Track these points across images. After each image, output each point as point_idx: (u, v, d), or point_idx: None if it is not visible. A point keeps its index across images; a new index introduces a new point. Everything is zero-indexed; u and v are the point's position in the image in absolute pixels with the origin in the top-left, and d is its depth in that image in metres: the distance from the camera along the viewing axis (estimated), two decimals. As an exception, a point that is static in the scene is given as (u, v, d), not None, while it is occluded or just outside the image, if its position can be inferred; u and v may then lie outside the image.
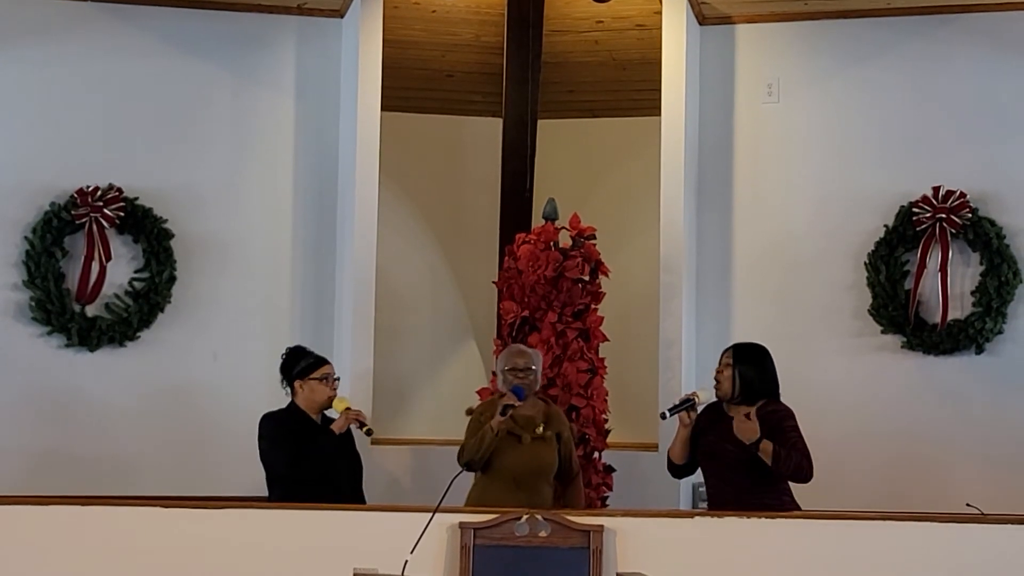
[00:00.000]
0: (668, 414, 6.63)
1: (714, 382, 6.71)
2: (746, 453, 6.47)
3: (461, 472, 6.46)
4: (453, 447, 6.99)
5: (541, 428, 6.89)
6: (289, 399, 6.97)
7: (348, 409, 6.87)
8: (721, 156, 8.50)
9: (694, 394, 6.67)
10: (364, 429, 6.86)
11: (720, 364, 6.75)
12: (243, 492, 7.36)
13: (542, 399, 7.10)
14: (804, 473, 6.51)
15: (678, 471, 6.86)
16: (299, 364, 6.96)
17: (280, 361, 7.05)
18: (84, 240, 8.09)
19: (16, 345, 8.04)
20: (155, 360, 8.19)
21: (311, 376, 6.92)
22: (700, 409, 6.65)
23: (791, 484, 6.58)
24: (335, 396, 6.94)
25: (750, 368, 6.69)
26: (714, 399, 6.69)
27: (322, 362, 7.00)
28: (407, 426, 8.81)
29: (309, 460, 6.75)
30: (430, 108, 9.28)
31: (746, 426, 6.43)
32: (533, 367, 6.98)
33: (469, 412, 7.07)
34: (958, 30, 8.18)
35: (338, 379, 7.04)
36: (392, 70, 8.45)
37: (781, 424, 6.57)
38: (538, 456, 6.87)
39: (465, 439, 6.89)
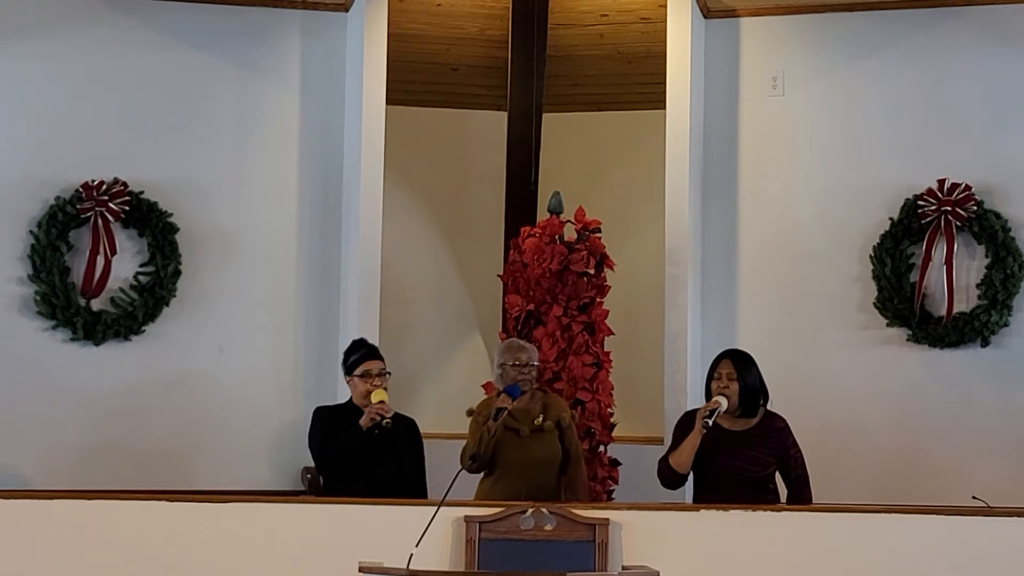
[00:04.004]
0: (710, 423, 6.61)
1: (721, 396, 6.71)
2: (758, 472, 6.55)
3: (466, 465, 6.47)
4: (458, 440, 6.99)
5: (540, 419, 6.88)
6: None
7: (382, 403, 6.83)
8: (726, 149, 8.49)
9: (717, 403, 6.67)
10: (384, 422, 6.81)
11: (722, 377, 6.74)
12: (248, 486, 7.38)
13: (539, 388, 7.09)
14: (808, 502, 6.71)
15: (677, 482, 6.84)
16: (348, 359, 6.99)
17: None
18: (89, 234, 8.09)
19: (21, 339, 8.04)
20: (160, 354, 8.19)
21: (355, 372, 6.93)
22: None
23: None
24: (374, 389, 6.92)
25: (752, 378, 6.75)
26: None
27: (364, 359, 6.98)
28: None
29: (335, 451, 6.77)
30: (435, 102, 9.28)
31: None
32: (534, 362, 7.00)
33: (470, 413, 7.06)
34: (963, 23, 8.16)
35: (388, 374, 7.00)
36: (397, 64, 8.45)
37: (785, 443, 6.72)
38: (538, 447, 6.87)
39: (468, 440, 6.89)
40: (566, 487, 6.98)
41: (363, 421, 6.81)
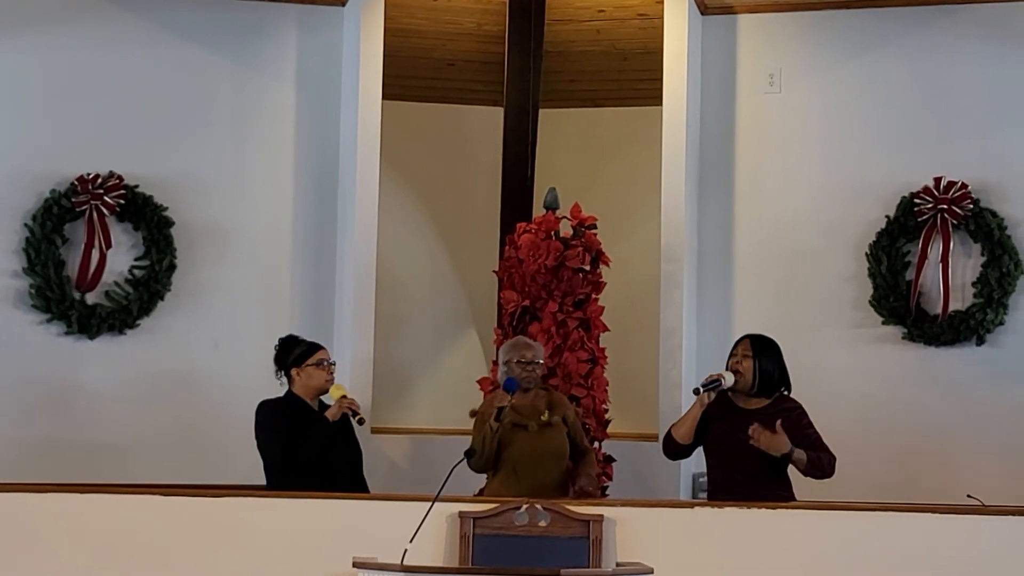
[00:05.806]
0: (702, 389, 6.62)
1: (733, 371, 6.71)
2: (759, 450, 6.50)
3: (461, 461, 6.45)
4: (453, 436, 7.00)
5: (546, 414, 6.89)
6: (286, 388, 6.96)
7: (343, 397, 6.84)
8: (722, 146, 8.49)
9: (720, 376, 6.67)
10: (356, 419, 6.80)
11: (738, 354, 6.75)
12: (243, 480, 7.35)
13: (542, 387, 7.10)
14: (831, 472, 6.61)
15: (678, 452, 6.85)
16: (294, 352, 6.93)
17: (273, 353, 7.02)
18: (84, 227, 8.09)
19: (16, 332, 8.04)
20: (155, 348, 8.19)
21: (307, 363, 6.90)
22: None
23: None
24: (332, 381, 6.92)
25: (769, 361, 6.72)
26: (731, 386, 6.70)
27: (316, 348, 6.97)
28: (407, 415, 8.80)
29: (303, 448, 6.73)
30: (431, 97, 9.27)
31: (776, 441, 6.45)
32: (539, 360, 7.01)
33: (473, 414, 7.07)
34: (960, 21, 8.17)
35: (334, 363, 7.02)
36: (393, 59, 8.45)
37: (799, 423, 6.64)
38: (547, 442, 6.87)
39: (472, 440, 6.88)
40: (580, 475, 6.96)
41: (332, 414, 6.79)
